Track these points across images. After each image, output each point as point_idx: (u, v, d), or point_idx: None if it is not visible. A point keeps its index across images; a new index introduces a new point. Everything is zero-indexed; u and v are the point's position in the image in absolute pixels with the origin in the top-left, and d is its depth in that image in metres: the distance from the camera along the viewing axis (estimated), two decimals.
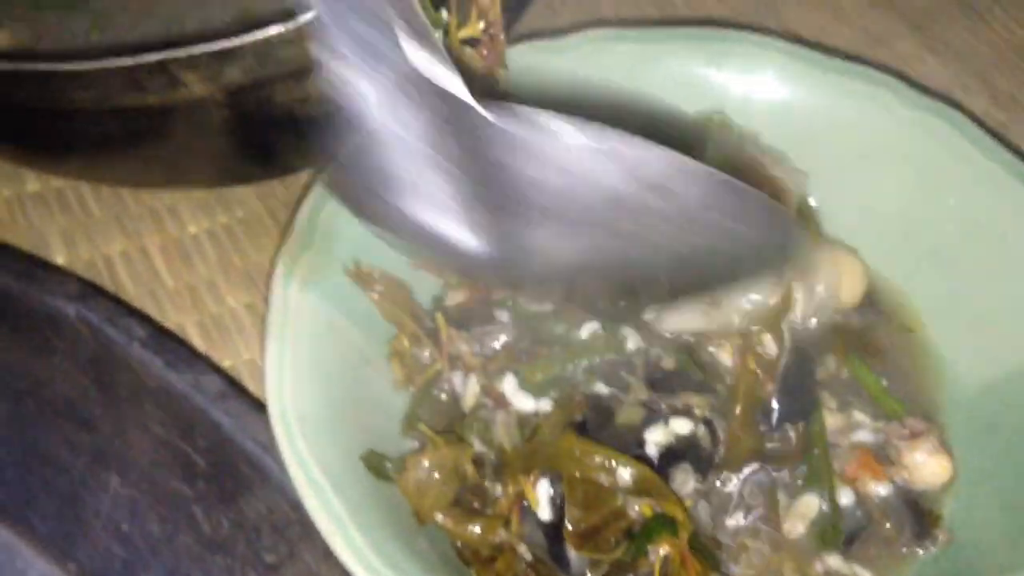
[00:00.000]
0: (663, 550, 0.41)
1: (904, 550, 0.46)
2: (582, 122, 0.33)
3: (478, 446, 0.45)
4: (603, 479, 0.42)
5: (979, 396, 0.49)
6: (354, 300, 0.47)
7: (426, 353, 0.48)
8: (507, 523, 0.43)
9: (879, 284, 0.52)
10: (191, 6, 0.55)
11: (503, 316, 0.48)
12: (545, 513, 0.43)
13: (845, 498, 0.46)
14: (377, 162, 0.35)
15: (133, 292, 0.55)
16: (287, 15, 0.43)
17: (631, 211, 0.35)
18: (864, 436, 0.48)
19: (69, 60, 0.42)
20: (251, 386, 0.51)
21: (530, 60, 0.52)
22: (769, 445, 0.46)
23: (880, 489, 0.46)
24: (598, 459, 0.42)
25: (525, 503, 0.43)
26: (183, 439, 0.45)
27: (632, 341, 0.46)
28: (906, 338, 0.51)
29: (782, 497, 0.45)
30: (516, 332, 0.47)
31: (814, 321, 0.48)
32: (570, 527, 0.42)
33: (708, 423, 0.45)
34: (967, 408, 0.49)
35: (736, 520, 0.45)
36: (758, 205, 0.36)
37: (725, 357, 0.47)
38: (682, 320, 0.47)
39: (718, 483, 0.45)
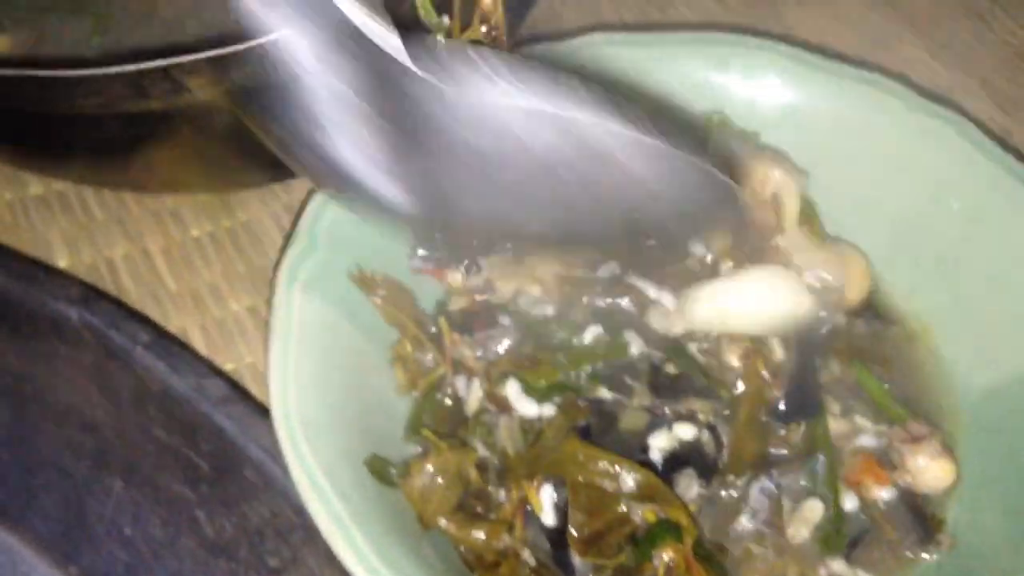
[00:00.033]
0: (667, 555, 0.41)
1: (908, 554, 0.46)
2: (532, 85, 0.34)
3: (482, 451, 0.45)
4: (607, 484, 0.42)
5: (982, 400, 0.49)
6: (357, 305, 0.47)
7: (429, 357, 0.48)
8: (511, 528, 0.43)
9: (882, 288, 0.52)
10: (193, 11, 0.55)
11: (506, 320, 0.48)
12: (549, 518, 0.43)
13: (849, 503, 0.46)
14: (308, 110, 0.36)
15: (135, 295, 0.55)
16: None
17: (564, 173, 0.36)
18: (867, 440, 0.48)
19: (72, 66, 0.42)
20: (253, 389, 0.51)
21: None
22: (773, 450, 0.46)
23: (883, 493, 0.47)
24: (602, 464, 0.42)
25: (529, 508, 0.43)
26: (186, 443, 0.45)
27: (635, 346, 0.46)
28: (909, 342, 0.52)
29: (786, 502, 0.45)
30: (519, 337, 0.47)
31: (821, 318, 0.48)
32: (574, 532, 0.42)
33: (712, 428, 0.45)
34: (970, 412, 0.49)
35: (740, 525, 0.45)
36: (704, 179, 0.36)
37: (732, 360, 0.47)
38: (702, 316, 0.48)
39: (722, 488, 0.45)
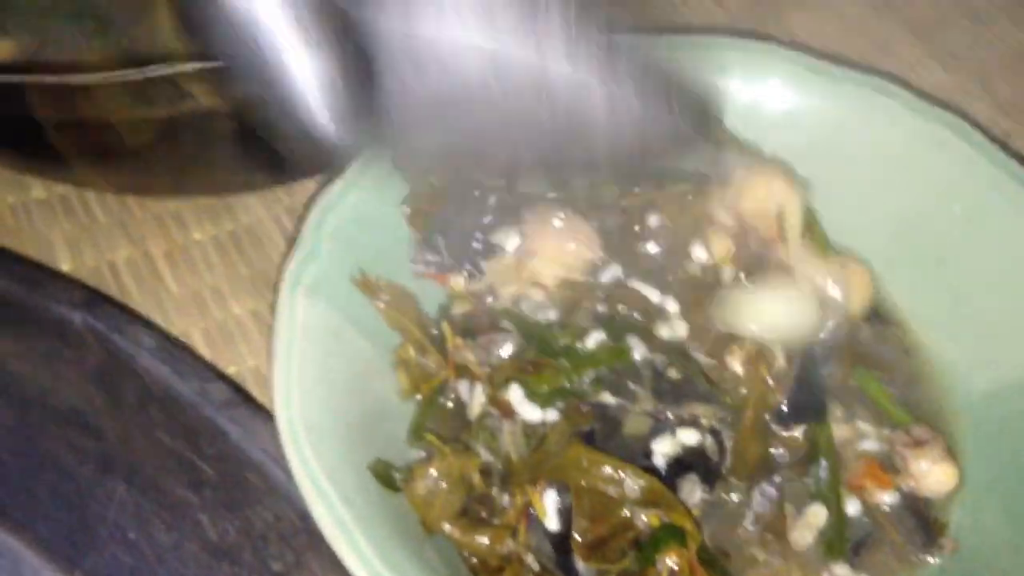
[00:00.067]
0: (671, 560, 0.41)
1: (911, 558, 0.46)
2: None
3: (485, 455, 0.45)
4: (610, 489, 0.42)
5: (985, 404, 0.49)
6: (360, 309, 0.47)
7: (432, 362, 0.48)
8: (514, 533, 0.43)
9: (884, 292, 0.52)
10: None
11: (508, 325, 0.48)
12: (552, 523, 0.43)
13: (852, 507, 0.46)
14: (251, 44, 0.36)
15: (138, 299, 0.55)
16: None
17: (536, 103, 0.36)
18: (870, 445, 0.48)
19: (75, 72, 0.42)
20: (256, 392, 0.51)
21: None
22: (776, 455, 0.46)
23: (886, 498, 0.47)
24: (605, 469, 0.42)
25: (532, 513, 0.43)
26: (189, 446, 0.45)
27: (638, 351, 0.46)
28: (912, 346, 0.52)
29: (789, 507, 0.46)
30: (522, 341, 0.47)
31: (828, 327, 0.49)
32: (578, 537, 0.42)
33: (715, 433, 0.45)
34: (973, 416, 0.49)
35: (744, 530, 0.45)
36: (678, 95, 0.38)
37: (735, 365, 0.47)
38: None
39: (725, 493, 0.45)
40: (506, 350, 0.47)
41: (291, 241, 0.47)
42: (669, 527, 0.42)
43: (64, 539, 0.44)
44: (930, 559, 0.46)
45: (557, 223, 0.49)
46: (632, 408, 0.45)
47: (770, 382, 0.46)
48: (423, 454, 0.46)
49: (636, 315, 0.48)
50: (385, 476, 0.43)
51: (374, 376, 0.47)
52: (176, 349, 0.47)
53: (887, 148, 0.53)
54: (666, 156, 0.46)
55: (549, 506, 0.43)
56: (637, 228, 0.50)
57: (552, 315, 0.48)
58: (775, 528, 0.45)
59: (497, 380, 0.45)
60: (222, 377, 0.49)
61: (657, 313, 0.48)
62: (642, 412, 0.45)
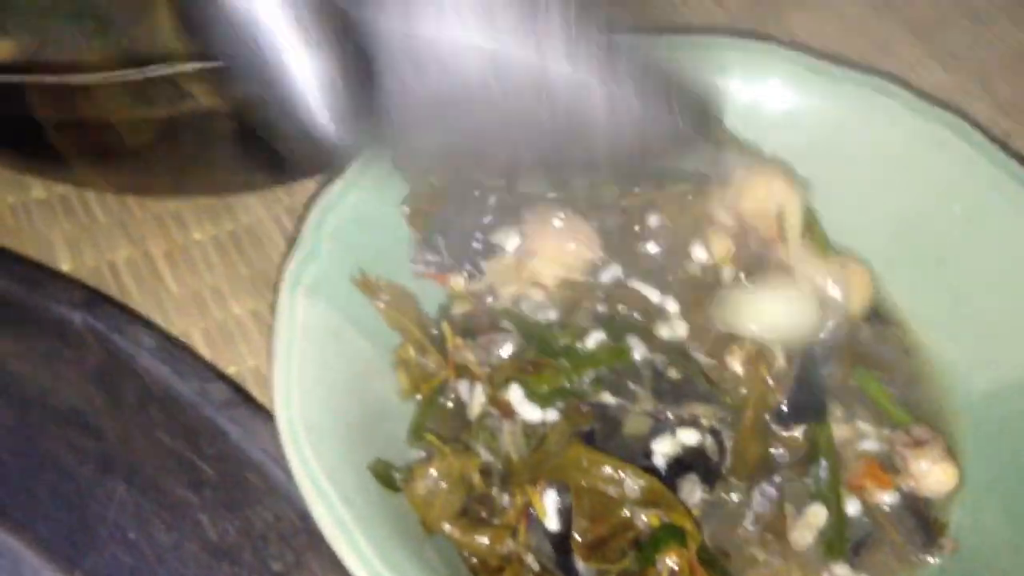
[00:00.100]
0: (671, 560, 0.41)
1: (911, 558, 0.46)
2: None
3: (485, 455, 0.45)
4: (610, 489, 0.42)
5: (985, 404, 0.49)
6: (360, 309, 0.47)
7: (432, 362, 0.48)
8: (514, 533, 0.43)
9: (884, 292, 0.52)
10: None
11: (508, 325, 0.48)
12: (553, 523, 0.43)
13: (852, 507, 0.46)
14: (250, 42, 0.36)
15: (138, 299, 0.55)
16: None
17: (535, 102, 0.36)
18: (870, 445, 0.48)
19: (76, 72, 0.42)
20: (256, 392, 0.51)
21: None
22: (776, 455, 0.46)
23: (886, 498, 0.47)
24: (605, 469, 0.42)
25: (532, 513, 0.43)
26: (189, 446, 0.45)
27: (638, 351, 0.46)
28: (912, 346, 0.52)
29: (789, 507, 0.46)
30: (522, 341, 0.47)
31: (828, 328, 0.49)
32: (578, 537, 0.42)
33: (715, 433, 0.45)
34: (973, 416, 0.49)
35: (744, 530, 0.45)
36: (678, 94, 0.37)
37: (735, 365, 0.47)
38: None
39: (725, 493, 0.45)
40: (506, 350, 0.47)
41: (291, 241, 0.47)
42: (669, 527, 0.42)
43: (64, 539, 0.44)
44: (930, 559, 0.46)
45: (557, 223, 0.49)
46: (632, 408, 0.45)
47: (770, 382, 0.47)
48: (423, 454, 0.46)
49: (636, 315, 0.48)
50: (385, 476, 0.43)
51: (374, 376, 0.47)
52: (176, 349, 0.47)
53: (887, 148, 0.53)
54: (666, 156, 0.46)
55: (549, 506, 0.43)
56: (637, 228, 0.50)
57: (552, 315, 0.48)
58: (775, 528, 0.45)
59: (497, 380, 0.45)
60: (222, 377, 0.49)
61: (657, 313, 0.48)
62: (642, 412, 0.45)
